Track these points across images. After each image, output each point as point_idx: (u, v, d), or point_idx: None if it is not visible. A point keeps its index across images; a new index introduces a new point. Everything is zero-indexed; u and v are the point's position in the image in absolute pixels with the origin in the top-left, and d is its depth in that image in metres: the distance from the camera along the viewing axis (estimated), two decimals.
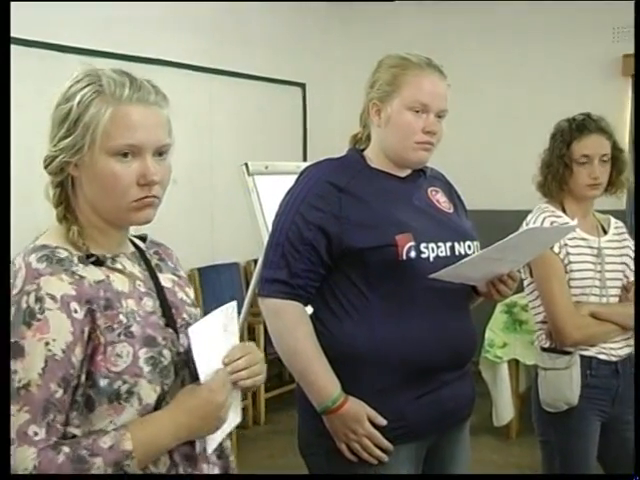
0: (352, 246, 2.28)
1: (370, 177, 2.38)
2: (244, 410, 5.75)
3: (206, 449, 1.67)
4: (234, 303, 1.78)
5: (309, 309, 2.39)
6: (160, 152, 1.64)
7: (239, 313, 4.18)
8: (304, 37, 7.44)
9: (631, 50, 6.68)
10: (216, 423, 1.62)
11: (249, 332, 5.86)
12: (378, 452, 2.27)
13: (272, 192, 3.48)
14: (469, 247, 2.40)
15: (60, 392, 1.50)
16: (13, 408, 1.47)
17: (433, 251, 2.30)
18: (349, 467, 2.30)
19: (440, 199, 2.47)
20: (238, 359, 1.68)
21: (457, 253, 2.36)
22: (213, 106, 6.35)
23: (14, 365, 1.48)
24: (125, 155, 1.58)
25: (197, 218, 6.24)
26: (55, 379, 1.49)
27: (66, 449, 1.48)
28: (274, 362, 6.51)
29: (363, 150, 2.46)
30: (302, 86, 7.40)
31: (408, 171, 2.43)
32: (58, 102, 1.62)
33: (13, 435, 1.46)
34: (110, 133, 1.57)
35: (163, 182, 1.64)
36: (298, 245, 2.29)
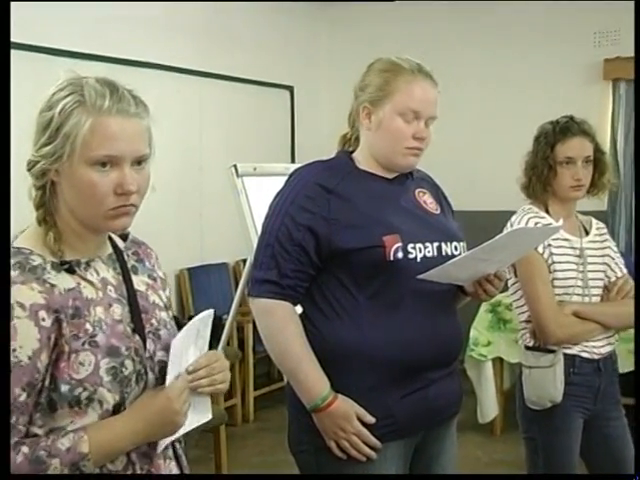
0: (341, 247, 2.27)
1: (358, 179, 2.37)
2: (233, 408, 5.78)
3: (157, 445, 1.69)
4: (211, 311, 1.79)
5: (298, 309, 2.38)
6: (139, 161, 1.64)
7: (228, 313, 4.18)
8: (292, 41, 7.45)
9: (612, 54, 6.82)
10: (172, 428, 1.65)
11: (238, 331, 5.86)
12: (367, 450, 2.27)
13: (260, 193, 3.48)
14: (456, 247, 2.40)
15: (24, 396, 1.52)
16: None
17: (420, 251, 2.30)
18: (338, 464, 2.29)
19: (427, 200, 2.47)
20: (200, 368, 1.70)
21: (444, 253, 2.35)
22: (203, 108, 6.35)
23: None
24: (103, 165, 1.59)
25: (187, 219, 6.24)
26: (20, 384, 1.52)
27: (25, 449, 1.51)
28: (263, 360, 6.55)
29: (352, 152, 2.45)
30: (290, 89, 7.41)
31: (396, 173, 2.42)
32: (42, 108, 1.63)
33: None
34: (89, 143, 1.57)
35: (140, 191, 1.64)
36: (288, 246, 2.29)
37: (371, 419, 2.26)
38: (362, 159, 2.41)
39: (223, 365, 1.75)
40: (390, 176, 2.41)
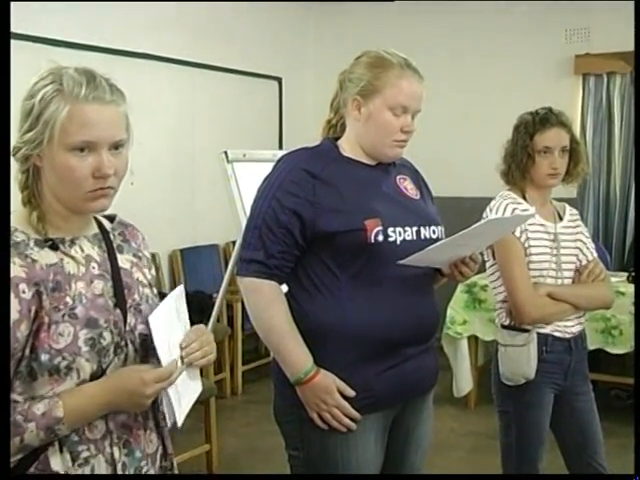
0: (324, 230, 2.26)
1: (342, 165, 2.35)
2: (223, 381, 5.78)
3: (176, 422, 1.70)
4: (181, 287, 1.83)
5: (284, 288, 2.37)
6: (116, 146, 1.64)
7: (218, 292, 4.15)
8: (281, 36, 7.46)
9: (581, 51, 6.85)
10: (138, 409, 1.66)
11: (228, 309, 5.86)
12: (347, 421, 2.26)
13: (250, 178, 3.45)
14: (434, 231, 2.39)
15: None
16: None
17: (400, 235, 2.29)
18: (320, 434, 2.29)
19: (407, 186, 2.45)
20: (193, 342, 1.72)
21: (423, 237, 2.34)
22: (195, 98, 6.33)
23: None
24: (82, 150, 1.59)
25: (180, 202, 6.23)
26: None
27: None
28: (251, 337, 6.56)
29: (336, 139, 2.43)
30: (278, 80, 7.42)
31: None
32: (24, 97, 1.63)
33: None
34: (67, 130, 1.58)
35: (118, 174, 1.65)
36: (274, 228, 2.27)
37: (351, 392, 2.26)
38: (347, 146, 2.39)
39: (210, 337, 1.78)
40: (373, 163, 2.39)
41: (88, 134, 1.58)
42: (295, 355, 2.27)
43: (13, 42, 5.13)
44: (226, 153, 3.67)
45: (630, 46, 6.55)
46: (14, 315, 1.52)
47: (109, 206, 1.67)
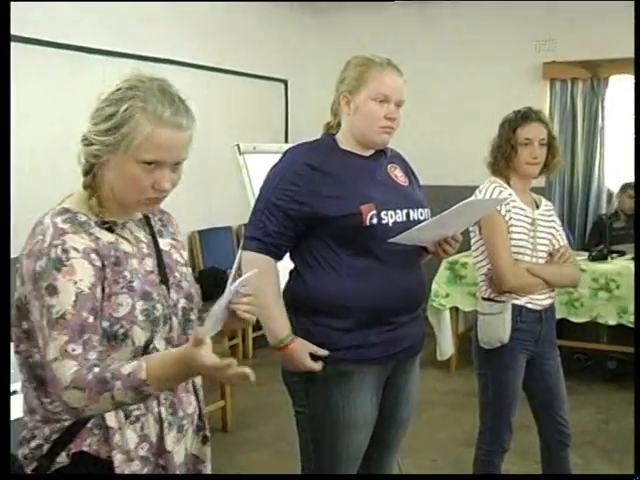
0: (325, 215, 2.27)
1: (340, 157, 2.36)
2: (235, 347, 5.78)
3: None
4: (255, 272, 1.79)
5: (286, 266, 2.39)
6: (177, 163, 1.61)
7: (231, 268, 4.13)
8: (287, 42, 7.43)
9: (549, 59, 6.87)
10: (201, 375, 1.60)
11: None
12: (314, 367, 2.29)
13: (259, 168, 3.44)
14: (421, 214, 2.39)
15: (91, 318, 1.49)
16: (54, 333, 1.46)
17: (392, 217, 2.30)
18: (323, 392, 2.32)
19: (398, 174, 2.45)
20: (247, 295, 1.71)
21: (412, 219, 2.35)
22: (211, 97, 6.30)
23: (50, 301, 1.47)
24: (149, 164, 1.56)
25: (198, 189, 6.20)
26: (86, 308, 1.48)
27: (96, 370, 1.46)
28: None
29: (334, 134, 2.43)
30: (285, 82, 7.40)
31: (372, 151, 2.41)
32: (107, 97, 1.57)
33: (56, 354, 1.45)
34: (143, 147, 1.54)
35: (174, 186, 1.63)
36: (275, 212, 2.29)
37: (324, 352, 2.28)
38: (343, 140, 2.39)
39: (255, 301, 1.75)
40: (367, 154, 2.40)
41: (160, 155, 1.55)
42: (275, 325, 2.31)
43: (49, 49, 5.15)
44: (238, 146, 3.66)
45: (589, 56, 6.65)
46: (91, 279, 1.50)
47: (157, 208, 1.67)
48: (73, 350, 1.45)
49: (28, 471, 1.56)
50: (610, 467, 4.08)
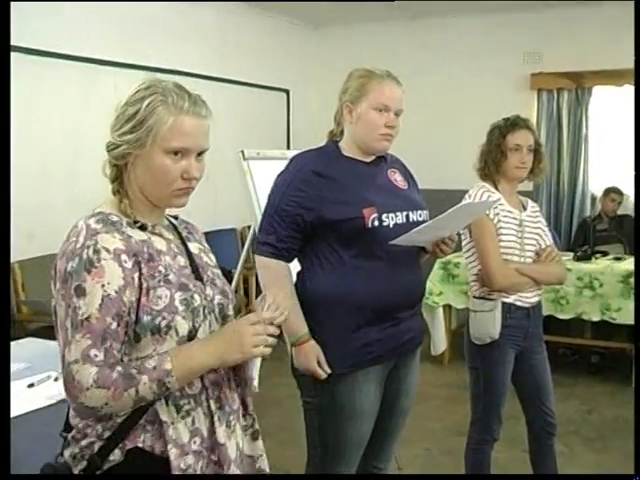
0: (329, 218, 2.28)
1: (343, 163, 2.38)
2: None
3: (254, 385, 1.62)
4: None
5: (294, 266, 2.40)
6: (200, 153, 1.60)
7: (236, 267, 4.14)
8: (289, 54, 7.44)
9: (536, 70, 6.89)
10: (240, 347, 1.52)
11: (244, 282, 5.86)
12: (321, 375, 2.31)
13: (262, 173, 3.45)
14: (420, 215, 2.41)
15: (114, 325, 1.45)
16: (77, 335, 1.43)
17: (392, 219, 2.31)
18: (331, 384, 2.33)
19: (397, 178, 2.47)
20: (272, 304, 1.61)
21: (411, 220, 2.36)
22: (218, 106, 6.21)
23: (77, 302, 1.44)
24: (176, 154, 1.55)
25: (204, 193, 6.17)
26: (110, 314, 1.45)
27: (119, 368, 1.44)
28: None
29: (338, 142, 2.44)
30: (287, 92, 7.40)
31: (373, 157, 2.42)
32: (127, 101, 1.57)
33: (77, 356, 1.42)
34: (168, 137, 1.53)
35: (200, 177, 1.62)
36: (284, 217, 2.31)
37: (327, 370, 2.31)
38: (346, 147, 2.41)
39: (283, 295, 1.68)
40: (368, 159, 2.41)
41: (185, 142, 1.55)
42: (294, 322, 2.28)
43: (66, 62, 5.15)
44: (243, 152, 3.66)
45: (574, 67, 6.67)
46: (119, 282, 1.46)
47: (187, 203, 1.63)
48: (95, 356, 1.43)
49: (76, 471, 1.52)
50: (593, 455, 4.10)
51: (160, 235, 1.62)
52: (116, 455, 1.51)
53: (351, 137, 2.39)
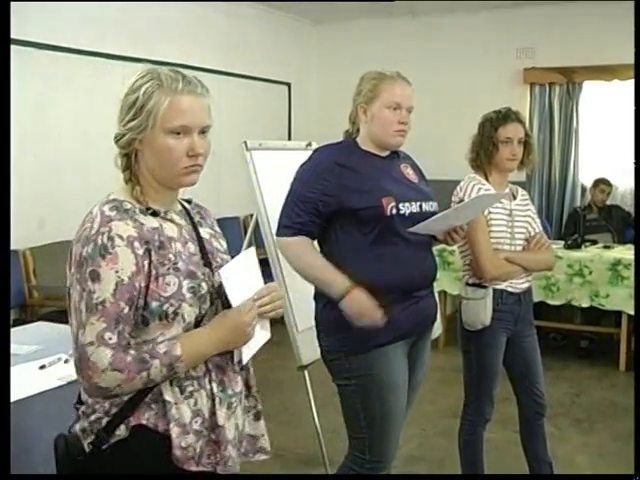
0: (350, 206, 2.35)
1: (362, 156, 2.46)
2: None
3: (242, 359, 1.63)
4: (252, 249, 1.73)
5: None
6: (203, 131, 1.60)
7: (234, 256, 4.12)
8: (290, 49, 7.43)
9: (529, 65, 6.89)
10: (243, 337, 1.58)
11: None
12: (377, 316, 2.29)
13: (265, 163, 3.44)
14: (431, 205, 2.50)
15: (127, 309, 1.47)
16: (92, 318, 1.44)
17: (408, 208, 2.40)
18: (364, 361, 2.37)
19: (409, 172, 2.56)
20: (264, 296, 1.64)
21: (424, 210, 2.46)
22: (221, 98, 6.28)
23: (92, 287, 1.45)
24: (178, 133, 1.55)
25: (208, 182, 6.17)
26: (123, 299, 1.46)
27: (132, 352, 1.46)
28: None
29: (355, 138, 2.53)
30: (288, 85, 7.38)
31: (387, 152, 2.51)
32: (126, 92, 1.57)
33: (92, 339, 1.44)
34: (167, 117, 1.53)
35: (205, 154, 1.60)
36: (306, 203, 2.36)
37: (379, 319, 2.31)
38: (363, 142, 2.51)
39: (280, 294, 1.69)
40: (383, 154, 2.51)
41: (184, 119, 1.54)
42: (334, 279, 2.33)
43: (72, 56, 5.15)
44: (245, 143, 3.64)
45: (566, 63, 6.66)
46: (132, 268, 1.47)
47: (197, 181, 1.61)
48: (110, 339, 1.44)
49: (85, 444, 1.54)
50: (581, 435, 4.11)
51: (172, 221, 1.62)
52: (122, 431, 1.53)
53: (367, 134, 2.48)
